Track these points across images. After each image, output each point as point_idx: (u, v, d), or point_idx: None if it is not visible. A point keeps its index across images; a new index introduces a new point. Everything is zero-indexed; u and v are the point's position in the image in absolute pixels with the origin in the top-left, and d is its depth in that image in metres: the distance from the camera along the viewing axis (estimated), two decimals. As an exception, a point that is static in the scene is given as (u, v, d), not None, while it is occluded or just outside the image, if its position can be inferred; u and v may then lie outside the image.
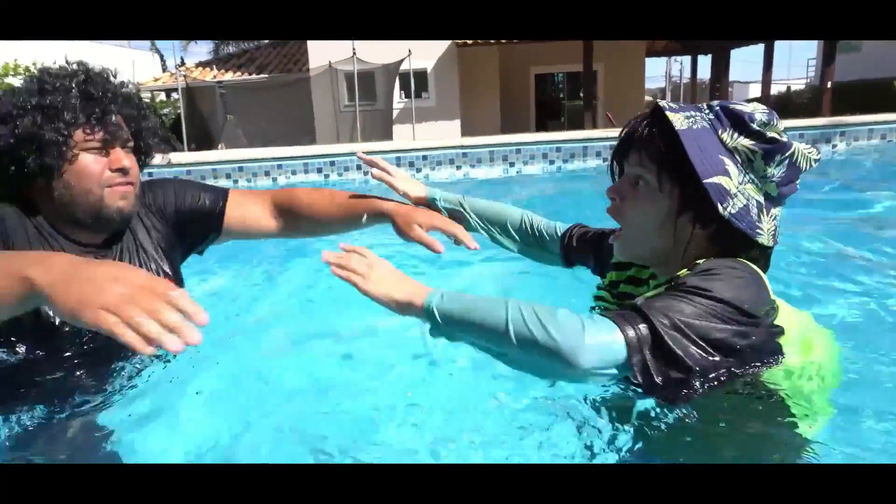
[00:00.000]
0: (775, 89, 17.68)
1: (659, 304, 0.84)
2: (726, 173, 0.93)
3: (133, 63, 13.98)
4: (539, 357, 0.82)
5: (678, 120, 0.95)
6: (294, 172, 6.63)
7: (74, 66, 1.25)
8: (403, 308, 0.95)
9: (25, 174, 1.18)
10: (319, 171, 6.67)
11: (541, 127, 14.68)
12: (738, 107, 0.94)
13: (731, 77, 19.08)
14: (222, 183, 6.70)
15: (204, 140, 13.43)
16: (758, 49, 14.39)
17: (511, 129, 11.95)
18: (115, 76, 1.30)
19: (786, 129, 0.95)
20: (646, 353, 0.80)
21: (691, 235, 0.97)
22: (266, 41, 19.21)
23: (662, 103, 0.99)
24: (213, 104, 13.91)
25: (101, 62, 1.33)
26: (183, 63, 18.36)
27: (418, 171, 6.68)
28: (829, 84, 11.58)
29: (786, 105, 15.46)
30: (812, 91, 15.95)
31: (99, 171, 1.22)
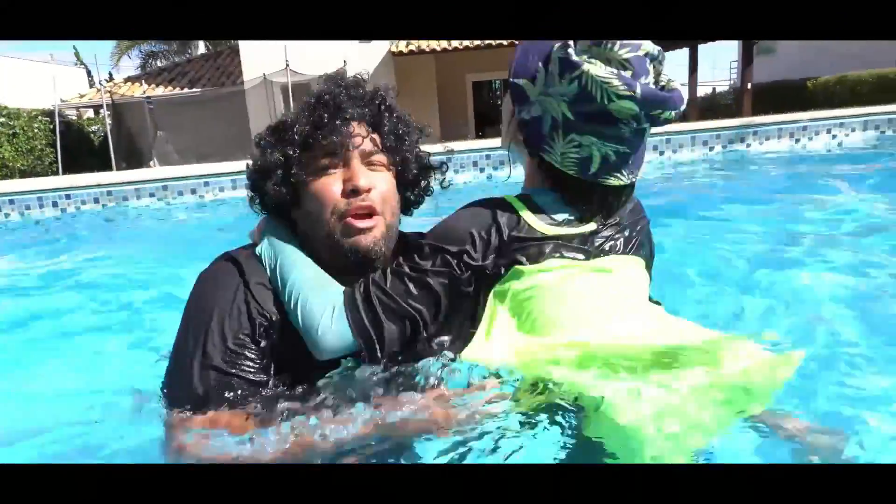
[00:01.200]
0: (702, 91, 18.43)
1: (378, 284, 0.97)
2: (533, 79, 0.95)
3: (54, 79, 13.31)
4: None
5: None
6: (222, 189, 6.45)
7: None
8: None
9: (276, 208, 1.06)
10: (249, 186, 6.52)
11: (481, 135, 14.82)
12: (616, 45, 0.92)
13: (661, 80, 19.72)
14: (146, 202, 6.46)
15: (133, 157, 12.96)
16: (683, 52, 14.99)
17: (451, 137, 11.97)
18: (365, 79, 1.09)
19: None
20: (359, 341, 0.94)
21: (523, 153, 1.03)
22: (198, 54, 18.72)
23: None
24: (143, 120, 13.46)
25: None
26: (111, 78, 17.68)
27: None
28: (748, 85, 12.16)
29: (711, 106, 16.15)
30: (735, 92, 16.71)
31: (333, 194, 0.99)
